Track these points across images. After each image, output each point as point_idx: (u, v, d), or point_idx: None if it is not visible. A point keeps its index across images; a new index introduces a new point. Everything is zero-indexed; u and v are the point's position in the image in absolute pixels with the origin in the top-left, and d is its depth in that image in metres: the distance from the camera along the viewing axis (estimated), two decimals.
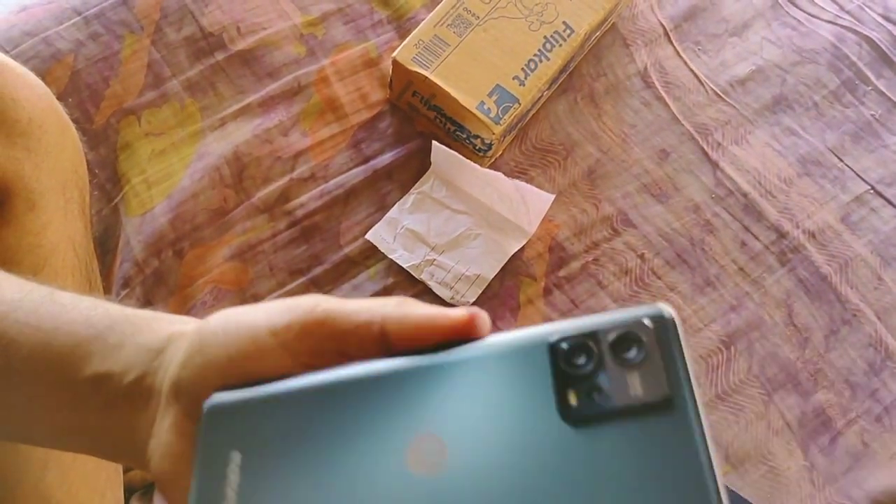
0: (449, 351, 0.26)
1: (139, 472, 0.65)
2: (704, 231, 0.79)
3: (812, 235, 0.80)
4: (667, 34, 0.88)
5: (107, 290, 0.70)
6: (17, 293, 0.34)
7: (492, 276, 0.74)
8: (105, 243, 0.72)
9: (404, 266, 0.74)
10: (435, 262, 0.74)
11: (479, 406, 0.25)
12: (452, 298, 0.73)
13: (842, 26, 0.91)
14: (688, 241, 0.79)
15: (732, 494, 0.68)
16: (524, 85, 0.75)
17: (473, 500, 0.23)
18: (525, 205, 0.75)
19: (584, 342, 0.25)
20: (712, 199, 0.81)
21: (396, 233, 0.75)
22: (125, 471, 0.61)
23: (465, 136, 0.76)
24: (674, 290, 0.76)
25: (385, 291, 0.73)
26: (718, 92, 0.86)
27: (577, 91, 0.84)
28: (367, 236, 0.75)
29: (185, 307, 0.70)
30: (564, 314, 0.74)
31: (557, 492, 0.22)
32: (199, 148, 0.76)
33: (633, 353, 0.24)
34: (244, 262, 0.73)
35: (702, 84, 0.86)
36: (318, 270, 0.73)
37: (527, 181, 0.78)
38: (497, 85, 0.74)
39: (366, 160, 0.78)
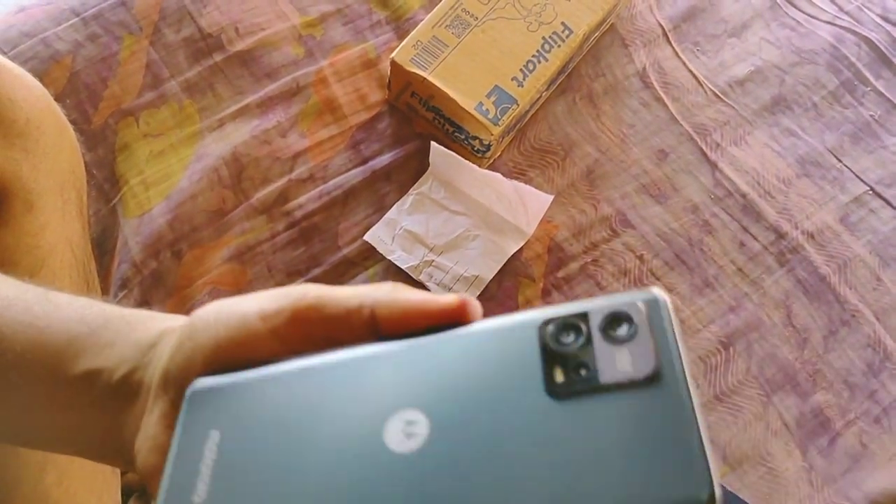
0: (437, 334, 0.26)
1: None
2: (703, 232, 0.79)
3: (811, 236, 0.80)
4: (665, 35, 0.88)
5: (105, 292, 0.69)
6: (12, 291, 0.34)
7: (490, 277, 0.74)
8: (103, 244, 0.72)
9: (403, 267, 0.74)
10: (433, 264, 0.74)
11: (464, 383, 0.25)
12: None
13: (840, 27, 0.91)
14: (686, 241, 0.78)
15: (731, 495, 0.68)
16: (522, 86, 0.75)
17: (451, 473, 0.23)
18: (523, 205, 0.75)
19: (573, 321, 0.25)
20: (711, 200, 0.81)
21: (395, 234, 0.75)
22: (123, 472, 0.60)
23: (463, 136, 0.76)
24: (672, 290, 0.76)
25: None
26: (717, 92, 0.86)
27: (576, 92, 0.84)
28: (366, 237, 0.75)
29: (183, 308, 0.70)
30: None
31: (540, 463, 0.22)
32: (198, 149, 0.76)
33: (622, 331, 0.24)
34: (243, 264, 0.73)
35: (700, 84, 0.86)
36: (316, 271, 0.73)
37: (525, 182, 0.78)
38: (495, 86, 0.74)
39: (364, 161, 0.78)
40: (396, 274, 0.74)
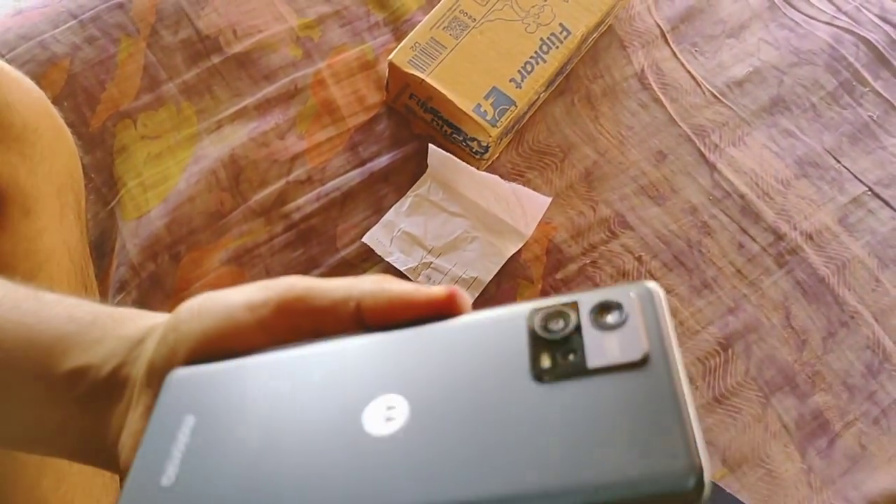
0: (423, 325, 0.26)
1: None
2: (702, 233, 0.79)
3: (809, 237, 0.80)
4: (664, 36, 0.88)
5: (103, 295, 0.69)
6: (1, 291, 0.34)
7: (489, 279, 0.74)
8: (101, 247, 0.72)
9: (401, 269, 0.74)
10: (432, 266, 0.74)
11: (447, 368, 0.24)
12: None
13: (839, 27, 0.91)
14: (685, 243, 0.78)
15: (729, 497, 0.68)
16: (521, 87, 0.75)
17: (428, 454, 0.22)
18: (522, 207, 0.75)
19: (562, 309, 0.24)
20: (710, 201, 0.80)
21: (393, 236, 0.75)
22: (121, 477, 0.60)
23: (461, 138, 0.76)
24: (671, 292, 0.76)
25: None
26: (715, 93, 0.86)
27: (574, 93, 0.84)
28: (364, 239, 0.74)
29: None
30: None
31: (520, 445, 0.21)
32: (196, 151, 0.76)
33: (612, 318, 0.24)
34: (241, 266, 0.73)
35: (699, 86, 0.86)
36: (314, 274, 0.73)
37: (524, 183, 0.78)
38: (493, 87, 0.74)
39: (362, 163, 0.78)
40: (395, 276, 0.74)
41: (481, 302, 0.73)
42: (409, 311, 0.26)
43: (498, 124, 0.73)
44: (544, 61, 0.76)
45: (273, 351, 0.27)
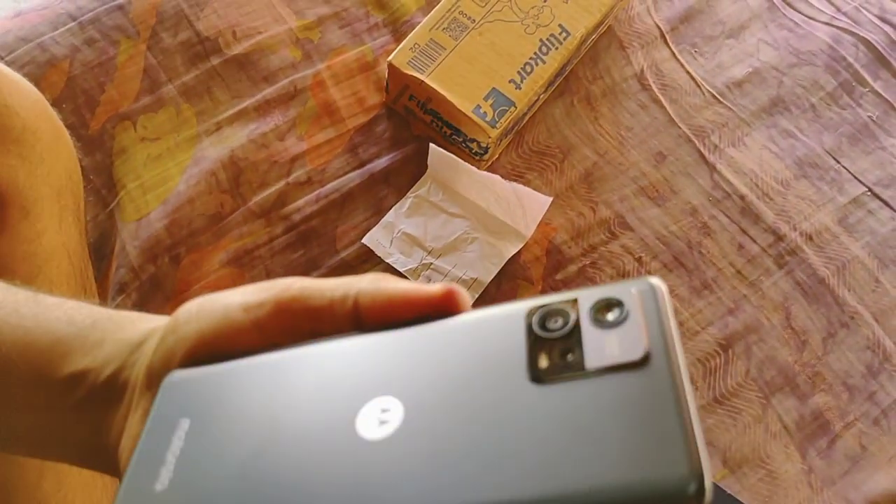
0: (420, 324, 0.25)
1: None
2: (702, 234, 0.79)
3: (809, 238, 0.80)
4: (663, 36, 0.88)
5: (102, 297, 0.69)
6: (0, 294, 0.34)
7: (489, 280, 0.74)
8: (101, 249, 0.72)
9: (401, 270, 0.74)
10: (432, 267, 0.74)
11: (443, 370, 0.24)
12: None
13: (838, 28, 0.91)
14: (685, 243, 0.78)
15: (730, 498, 0.68)
16: (520, 88, 0.75)
17: (420, 458, 0.22)
18: (522, 208, 0.75)
19: (561, 307, 0.24)
20: (709, 202, 0.80)
21: (393, 237, 0.75)
22: (121, 481, 0.60)
23: (461, 139, 0.76)
24: (671, 293, 0.76)
25: None
26: (715, 94, 0.86)
27: (574, 94, 0.84)
28: (364, 241, 0.74)
29: None
30: None
31: (516, 448, 0.21)
32: (195, 153, 0.76)
33: (612, 315, 0.23)
34: (241, 268, 0.73)
35: (698, 86, 0.86)
36: (314, 275, 0.73)
37: (523, 184, 0.78)
38: (493, 88, 0.74)
39: (362, 164, 0.78)
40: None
41: (481, 303, 0.73)
42: (407, 310, 0.26)
43: (497, 125, 0.73)
44: (544, 62, 0.76)
45: (268, 352, 0.26)
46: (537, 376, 0.22)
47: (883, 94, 0.88)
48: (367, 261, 0.74)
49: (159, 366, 0.28)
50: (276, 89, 0.79)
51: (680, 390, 0.21)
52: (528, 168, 0.80)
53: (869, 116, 0.87)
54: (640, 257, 0.77)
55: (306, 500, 0.22)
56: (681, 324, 0.75)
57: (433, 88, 0.73)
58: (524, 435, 0.21)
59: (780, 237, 0.79)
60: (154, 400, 0.26)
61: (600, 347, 0.22)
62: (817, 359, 0.75)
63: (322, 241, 0.74)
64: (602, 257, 0.77)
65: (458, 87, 0.73)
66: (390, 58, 0.74)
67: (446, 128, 0.76)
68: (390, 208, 0.76)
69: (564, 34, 0.78)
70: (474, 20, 0.77)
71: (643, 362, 0.22)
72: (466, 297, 0.26)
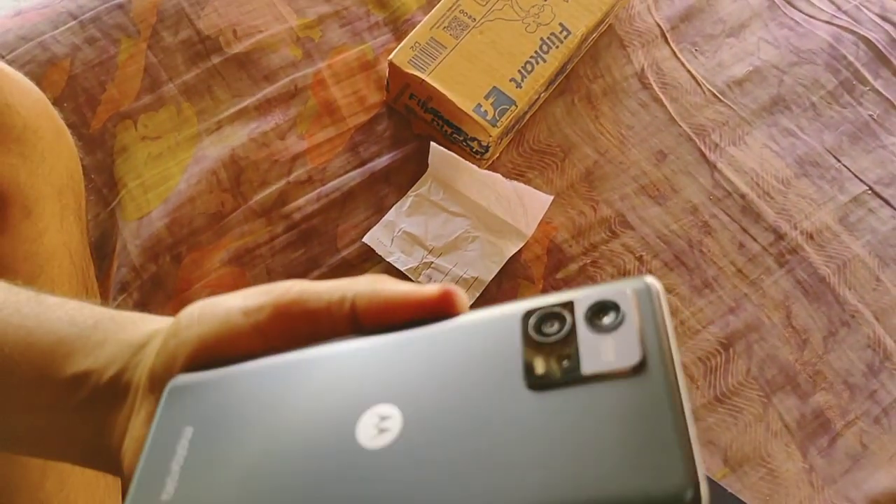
0: (418, 327, 0.25)
1: None
2: (702, 232, 0.79)
3: (810, 236, 0.80)
4: (664, 35, 0.88)
5: (104, 296, 0.69)
6: (2, 295, 0.34)
7: (490, 279, 0.74)
8: (102, 248, 0.72)
9: (402, 269, 0.74)
10: (433, 265, 0.74)
11: (441, 377, 0.24)
12: None
13: (839, 26, 0.91)
14: (686, 242, 0.78)
15: (731, 497, 0.68)
16: (521, 87, 0.75)
17: (420, 468, 0.22)
18: (523, 206, 0.75)
19: (557, 311, 0.24)
20: (710, 201, 0.80)
21: (394, 236, 0.75)
22: (124, 481, 0.60)
23: (461, 138, 0.76)
24: (672, 292, 0.76)
25: None
26: (716, 93, 0.86)
27: (575, 93, 0.84)
28: (365, 239, 0.74)
29: None
30: None
31: (512, 458, 0.21)
32: (196, 152, 0.76)
33: (608, 319, 0.23)
34: (242, 267, 0.73)
35: (699, 85, 0.86)
36: (315, 274, 0.73)
37: (524, 183, 0.78)
38: (494, 87, 0.74)
39: (363, 163, 0.78)
40: (395, 276, 0.74)
41: (482, 302, 0.73)
42: (404, 312, 0.26)
43: (498, 124, 0.73)
44: (544, 61, 0.76)
45: (268, 358, 0.27)
46: (534, 383, 0.23)
47: (883, 92, 0.88)
48: (368, 260, 0.74)
49: (161, 370, 0.28)
50: (277, 88, 0.79)
51: (675, 397, 0.21)
52: (528, 167, 0.80)
53: (869, 115, 0.87)
54: (641, 256, 0.77)
55: None
56: (682, 323, 0.75)
57: (434, 87, 0.73)
58: (521, 443, 0.21)
59: (780, 236, 0.79)
60: (157, 408, 0.26)
61: (596, 353, 0.22)
62: (818, 357, 0.75)
63: (323, 239, 0.74)
64: (603, 256, 0.77)
65: (459, 85, 0.73)
66: (391, 56, 0.74)
67: (447, 126, 0.76)
68: (391, 207, 0.76)
69: (565, 33, 0.78)
70: (475, 19, 0.77)
71: (639, 369, 0.22)
72: (464, 297, 0.26)
